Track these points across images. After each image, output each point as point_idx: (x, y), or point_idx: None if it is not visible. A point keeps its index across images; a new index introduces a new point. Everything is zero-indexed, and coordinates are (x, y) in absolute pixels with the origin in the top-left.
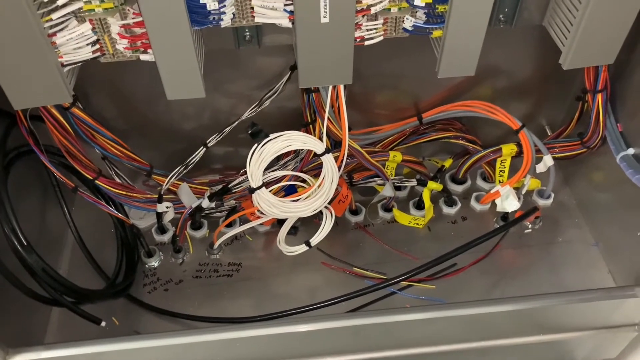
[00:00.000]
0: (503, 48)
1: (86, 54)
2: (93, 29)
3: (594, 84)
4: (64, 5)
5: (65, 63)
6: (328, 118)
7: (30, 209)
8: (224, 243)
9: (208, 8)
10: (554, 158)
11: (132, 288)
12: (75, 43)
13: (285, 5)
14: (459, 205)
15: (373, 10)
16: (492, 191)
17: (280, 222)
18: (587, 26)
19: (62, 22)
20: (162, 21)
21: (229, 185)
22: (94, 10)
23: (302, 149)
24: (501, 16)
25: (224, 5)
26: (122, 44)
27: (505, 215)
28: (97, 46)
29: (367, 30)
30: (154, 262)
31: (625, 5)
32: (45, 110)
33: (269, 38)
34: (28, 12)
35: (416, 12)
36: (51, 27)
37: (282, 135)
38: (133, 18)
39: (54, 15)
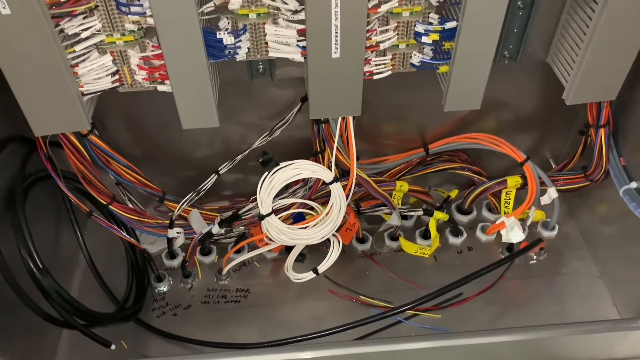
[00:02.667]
0: (508, 83)
1: (106, 84)
2: (113, 60)
3: (596, 119)
4: (87, 38)
5: (85, 92)
6: (337, 148)
7: (44, 232)
8: (232, 269)
9: (224, 43)
10: (558, 190)
11: (141, 312)
12: (95, 73)
13: (298, 41)
14: (465, 235)
15: (382, 46)
16: (497, 222)
17: (288, 249)
18: (589, 63)
19: (85, 54)
20: (181, 54)
21: (239, 212)
22: (115, 42)
23: (311, 178)
24: (506, 52)
25: (240, 40)
26: (140, 75)
27: (510, 246)
28: (117, 77)
29: (376, 65)
30: (163, 287)
31: (627, 44)
32: (64, 137)
33: (281, 71)
34: (53, 44)
35: (423, 48)
36: (74, 58)
37: (292, 164)
38: (152, 51)
39: (78, 47)
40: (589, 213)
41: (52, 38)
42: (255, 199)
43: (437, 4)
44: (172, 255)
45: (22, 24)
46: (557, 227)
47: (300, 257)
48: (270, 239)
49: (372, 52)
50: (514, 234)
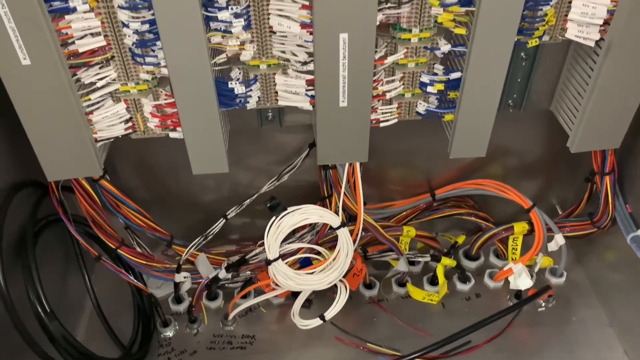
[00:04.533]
0: (513, 130)
1: (119, 130)
2: (127, 108)
3: (601, 167)
4: (103, 87)
5: (99, 139)
6: (344, 193)
7: (52, 275)
8: (238, 314)
9: (236, 92)
10: (565, 237)
11: (146, 357)
12: (109, 121)
13: (307, 90)
14: (473, 281)
15: (388, 95)
16: (505, 268)
17: (295, 294)
18: (592, 112)
19: (99, 102)
20: (193, 103)
21: (246, 257)
22: (129, 91)
23: (319, 223)
24: (510, 101)
25: (251, 90)
26: (153, 122)
27: (518, 293)
28: (130, 124)
29: (383, 113)
30: (169, 332)
31: (629, 93)
32: (76, 181)
33: (289, 118)
34: (70, 93)
35: (429, 97)
36: (89, 106)
37: (300, 209)
38: (165, 99)
39: (93, 96)
40: (597, 260)
41: (69, 87)
42: (262, 244)
43: (442, 56)
44: (178, 300)
45: (41, 74)
46: (565, 274)
47: (307, 303)
48: (277, 284)
49: (378, 101)
50: (522, 281)
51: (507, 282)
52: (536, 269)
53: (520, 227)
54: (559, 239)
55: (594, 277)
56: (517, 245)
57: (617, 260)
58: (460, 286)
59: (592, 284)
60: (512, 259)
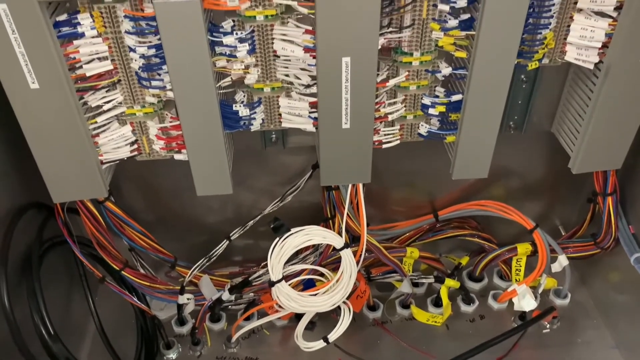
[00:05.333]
0: (514, 152)
1: (124, 153)
2: (133, 130)
3: (603, 187)
4: (109, 110)
5: (104, 161)
6: (347, 214)
7: (56, 296)
8: (241, 337)
9: (240, 114)
10: (569, 258)
11: None
12: (115, 143)
13: (310, 112)
14: (477, 303)
15: (390, 117)
16: (509, 290)
17: (298, 316)
18: (593, 133)
19: (106, 124)
20: (198, 126)
21: (249, 278)
22: (135, 114)
23: (322, 244)
24: (511, 123)
25: (255, 112)
26: (158, 145)
27: (523, 315)
28: (135, 146)
29: (385, 135)
30: (172, 354)
31: (629, 114)
32: (82, 203)
33: (293, 139)
34: (77, 116)
35: (430, 119)
36: (95, 128)
37: (303, 230)
38: (170, 122)
39: (99, 119)
40: (601, 281)
41: (76, 111)
42: (266, 265)
43: (443, 78)
44: (181, 321)
45: (49, 98)
46: (569, 295)
47: (310, 325)
48: (280, 306)
49: (380, 122)
50: (526, 302)
51: (511, 303)
52: (540, 290)
53: (523, 248)
54: (562, 260)
55: (599, 298)
56: (520, 266)
57: (622, 281)
58: (464, 308)
59: (597, 305)
60: (516, 280)
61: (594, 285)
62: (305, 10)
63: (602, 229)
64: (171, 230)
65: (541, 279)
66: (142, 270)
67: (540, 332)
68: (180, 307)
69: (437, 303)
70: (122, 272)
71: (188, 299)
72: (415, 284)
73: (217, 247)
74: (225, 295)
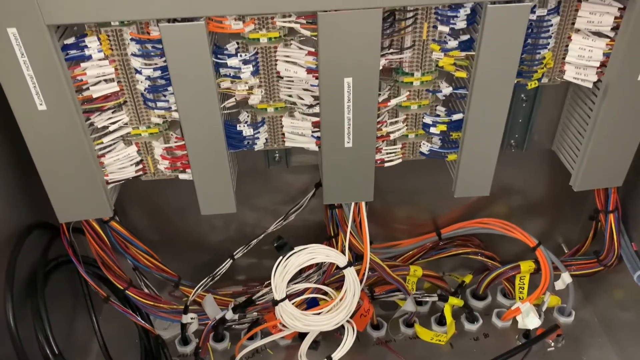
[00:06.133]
0: (516, 169)
1: (130, 173)
2: (138, 150)
3: (605, 205)
4: (115, 131)
5: (110, 181)
6: (350, 232)
7: (60, 315)
8: (245, 356)
9: (244, 134)
10: (572, 275)
11: None
12: (120, 163)
13: (313, 132)
14: (481, 321)
15: (392, 136)
16: (512, 308)
17: (302, 335)
18: (593, 151)
19: (111, 145)
20: (203, 146)
21: (253, 297)
22: (140, 134)
23: (325, 262)
24: (512, 141)
25: (258, 132)
26: (163, 165)
27: (527, 333)
28: (140, 166)
29: (387, 153)
30: None
31: (629, 132)
32: (87, 223)
33: (296, 158)
34: (84, 137)
35: (432, 138)
36: (101, 149)
37: (306, 248)
38: (175, 142)
39: (105, 139)
40: (605, 298)
41: (83, 131)
42: (269, 284)
43: (444, 98)
44: (185, 341)
45: (56, 119)
46: (573, 312)
47: (314, 345)
48: (283, 326)
49: (382, 141)
50: (530, 320)
51: (515, 321)
52: (544, 308)
53: (526, 266)
54: (565, 278)
55: (603, 316)
56: (524, 284)
57: (626, 298)
58: (468, 326)
59: (601, 323)
60: (520, 298)
61: (598, 302)
62: (307, 33)
63: (605, 246)
64: (175, 249)
65: (545, 296)
66: (146, 290)
67: (545, 350)
68: (184, 327)
69: (441, 321)
70: (127, 291)
71: (192, 318)
72: (418, 303)
73: (221, 266)
74: (229, 315)
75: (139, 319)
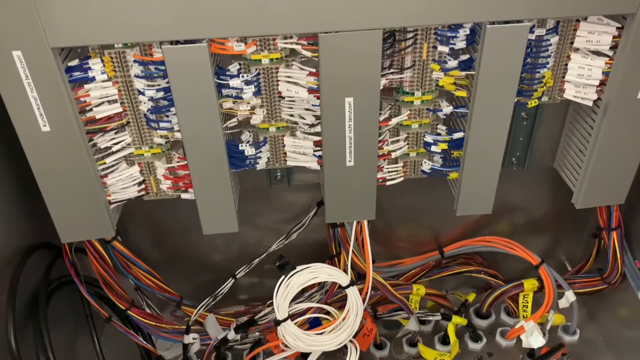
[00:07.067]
0: (518, 187)
1: (132, 193)
2: (141, 171)
3: (607, 222)
4: (118, 151)
5: (112, 201)
6: (352, 251)
7: (62, 336)
8: None
9: (246, 153)
10: (576, 293)
11: None
12: (123, 183)
13: (314, 151)
14: (485, 340)
15: (393, 155)
16: (516, 326)
17: (305, 356)
18: (595, 169)
19: (114, 165)
20: (205, 165)
21: (255, 317)
22: (143, 154)
23: (327, 281)
24: (513, 159)
25: (260, 151)
26: (165, 184)
27: (531, 352)
28: (143, 186)
29: (389, 172)
30: None
31: (630, 150)
32: (89, 243)
33: (298, 177)
34: (87, 158)
35: (433, 156)
36: (104, 169)
37: (308, 268)
38: (178, 162)
39: (108, 160)
40: (610, 317)
41: (86, 152)
42: (271, 303)
43: (445, 117)
44: None
45: (59, 140)
46: (578, 331)
47: None
48: (286, 346)
49: (384, 160)
50: (534, 339)
51: (519, 340)
52: (548, 327)
53: (530, 284)
54: (569, 296)
55: (608, 334)
56: (527, 302)
57: (631, 316)
58: (472, 345)
59: (607, 342)
60: (524, 316)
61: (603, 321)
62: (309, 54)
63: (608, 264)
64: (177, 268)
65: (549, 315)
66: (148, 310)
67: None
68: (186, 347)
69: (445, 341)
70: (128, 311)
71: (194, 338)
72: (422, 322)
73: (223, 286)
74: (231, 335)
75: (141, 339)
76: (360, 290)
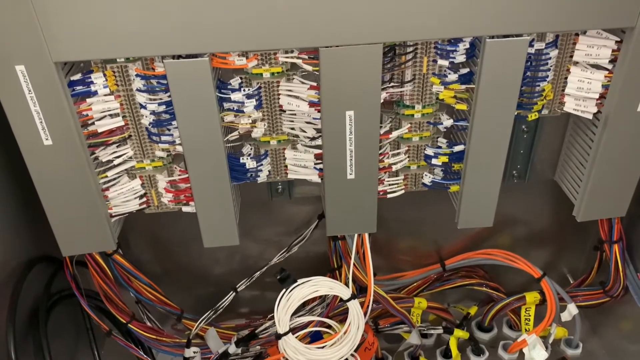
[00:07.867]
0: (519, 200)
1: (134, 206)
2: (142, 184)
3: (609, 235)
4: (119, 164)
5: (114, 214)
6: (354, 264)
7: (62, 350)
8: None
9: (247, 167)
10: (578, 306)
11: None
12: (124, 197)
13: (315, 164)
14: (487, 354)
15: (394, 168)
16: (519, 340)
17: None
18: (596, 181)
19: (115, 179)
20: (206, 178)
21: (256, 331)
22: (144, 168)
23: (329, 295)
24: (514, 172)
25: (261, 164)
26: (167, 197)
27: None
28: (144, 199)
29: (389, 185)
30: None
31: (630, 162)
32: (90, 256)
33: (299, 190)
34: (88, 172)
35: (434, 169)
36: (105, 182)
37: (310, 281)
38: (179, 175)
39: (110, 173)
40: (613, 330)
41: (88, 166)
42: (272, 317)
43: (445, 130)
44: None
45: (61, 154)
46: (581, 344)
47: None
48: (287, 359)
49: (385, 173)
50: (537, 353)
51: (522, 353)
52: (551, 340)
53: (532, 297)
54: (572, 309)
55: (611, 347)
56: (530, 315)
57: (634, 330)
58: (474, 359)
59: (610, 355)
60: (526, 329)
61: (606, 334)
62: (310, 68)
63: (610, 276)
64: (178, 282)
65: (551, 328)
66: (148, 323)
67: None
68: None
69: (447, 354)
70: (129, 324)
71: (194, 352)
72: (424, 335)
73: (224, 299)
74: (232, 349)
75: (142, 353)
76: (362, 304)
